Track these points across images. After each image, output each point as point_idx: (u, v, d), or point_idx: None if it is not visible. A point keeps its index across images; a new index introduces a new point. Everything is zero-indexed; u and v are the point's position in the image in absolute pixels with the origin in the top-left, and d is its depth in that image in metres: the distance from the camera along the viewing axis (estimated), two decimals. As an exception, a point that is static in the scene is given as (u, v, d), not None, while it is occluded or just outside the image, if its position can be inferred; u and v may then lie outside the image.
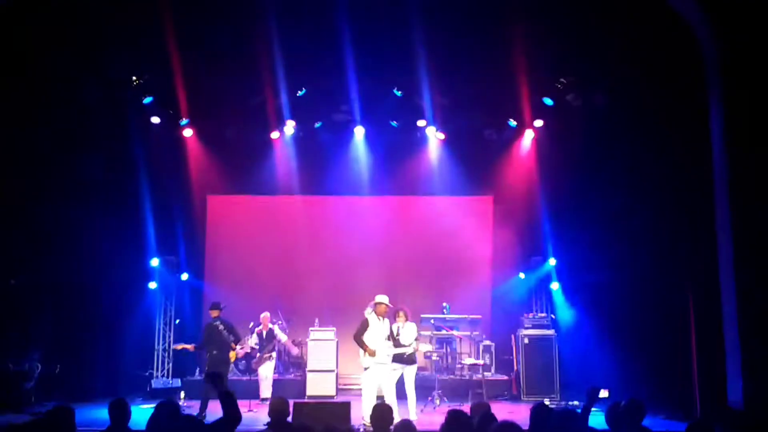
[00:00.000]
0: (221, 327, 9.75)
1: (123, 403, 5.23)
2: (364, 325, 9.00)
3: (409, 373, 9.36)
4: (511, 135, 12.53)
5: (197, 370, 12.28)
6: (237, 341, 10.04)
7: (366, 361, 8.93)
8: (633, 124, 10.17)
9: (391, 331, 9.10)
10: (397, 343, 9.11)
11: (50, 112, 10.41)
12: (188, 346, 10.13)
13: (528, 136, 12.42)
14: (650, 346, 10.00)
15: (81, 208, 10.97)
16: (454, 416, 4.62)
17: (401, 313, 9.48)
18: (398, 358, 9.19)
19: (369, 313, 9.13)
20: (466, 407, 8.48)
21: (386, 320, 9.08)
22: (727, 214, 8.02)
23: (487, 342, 12.07)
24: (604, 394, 5.59)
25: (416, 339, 9.48)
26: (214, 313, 9.91)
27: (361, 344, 8.92)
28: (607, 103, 10.77)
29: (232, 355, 9.84)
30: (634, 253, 10.35)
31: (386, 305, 9.08)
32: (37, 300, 10.71)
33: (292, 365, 12.35)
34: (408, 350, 9.25)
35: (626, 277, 10.48)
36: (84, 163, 11.00)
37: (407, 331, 9.36)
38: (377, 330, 8.95)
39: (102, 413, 8.39)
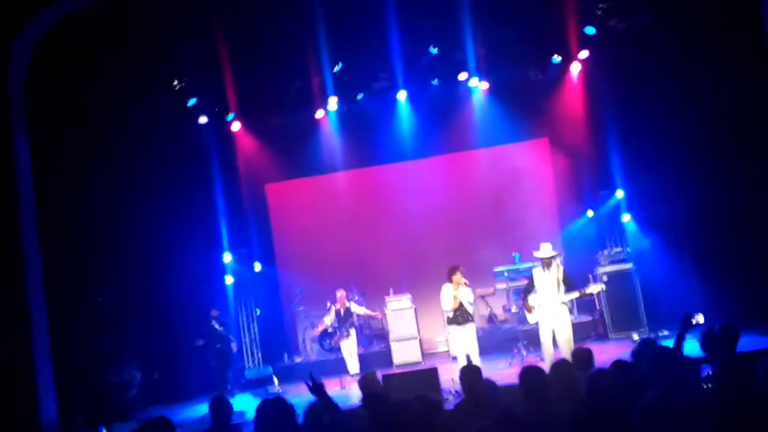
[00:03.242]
0: (217, 325, 11.25)
1: (223, 400, 5.35)
2: (530, 284, 9.00)
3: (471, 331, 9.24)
4: (557, 72, 12.10)
5: (286, 355, 12.62)
6: (234, 335, 11.77)
7: (531, 318, 8.94)
8: (685, 42, 9.69)
9: (566, 277, 8.78)
10: (569, 289, 8.73)
11: (107, 127, 10.71)
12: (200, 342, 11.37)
13: (575, 70, 12.00)
14: (736, 265, 9.68)
15: (151, 215, 11.33)
16: (527, 374, 4.47)
17: (458, 270, 9.10)
18: (462, 319, 9.07)
19: (535, 268, 9.04)
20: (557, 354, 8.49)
21: (555, 268, 8.82)
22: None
23: (565, 285, 11.88)
24: (700, 319, 5.37)
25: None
26: (215, 314, 11.37)
27: (524, 304, 9.02)
28: (653, 23, 10.27)
29: (233, 346, 11.43)
30: (708, 172, 9.99)
31: (546, 258, 8.79)
32: (125, 311, 11.15)
33: (375, 337, 12.51)
34: (567, 297, 8.84)
35: (702, 200, 10.13)
36: (150, 172, 11.33)
37: (466, 290, 9.15)
38: (542, 281, 8.81)
39: (203, 409, 8.73)
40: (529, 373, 4.33)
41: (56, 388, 8.01)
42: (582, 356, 5.53)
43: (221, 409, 5.29)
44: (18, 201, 8.17)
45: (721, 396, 3.30)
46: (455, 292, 9.05)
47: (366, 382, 5.93)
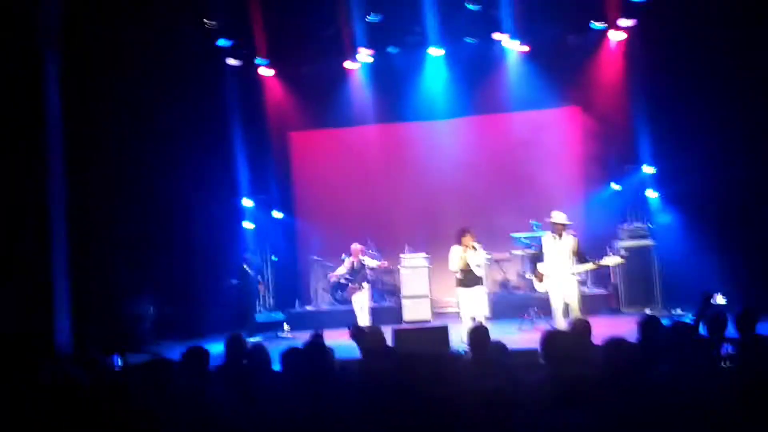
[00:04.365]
0: (247, 267, 11.55)
1: (240, 338, 5.38)
2: (539, 250, 8.82)
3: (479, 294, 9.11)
4: (596, 39, 11.84)
5: (297, 302, 12.73)
6: (262, 277, 12.29)
7: (540, 286, 8.77)
8: (735, 19, 9.36)
9: (578, 249, 8.55)
10: (581, 259, 8.56)
11: (135, 62, 10.64)
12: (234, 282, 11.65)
13: (616, 38, 11.70)
14: (759, 247, 9.53)
15: (174, 155, 11.36)
16: (549, 337, 4.46)
17: (468, 234, 8.93)
18: (470, 281, 8.99)
19: (545, 235, 8.89)
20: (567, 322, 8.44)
21: (567, 237, 8.60)
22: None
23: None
24: (720, 299, 5.30)
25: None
26: (248, 256, 11.76)
27: (533, 271, 8.85)
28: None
29: (261, 288, 12.05)
30: (739, 153, 9.78)
31: (560, 223, 8.61)
32: (145, 246, 11.25)
33: (387, 293, 12.56)
34: (582, 268, 8.79)
35: (730, 179, 9.94)
36: (176, 110, 11.29)
37: (476, 253, 9.03)
38: (553, 250, 8.64)
39: (214, 347, 8.83)
40: (552, 337, 4.29)
41: (72, 311, 8.14)
42: (580, 327, 5.43)
43: (237, 347, 5.33)
44: (45, 128, 8.19)
45: (743, 375, 3.25)
46: (463, 254, 8.99)
47: (369, 336, 5.86)
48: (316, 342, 4.74)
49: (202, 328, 11.29)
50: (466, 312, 9.05)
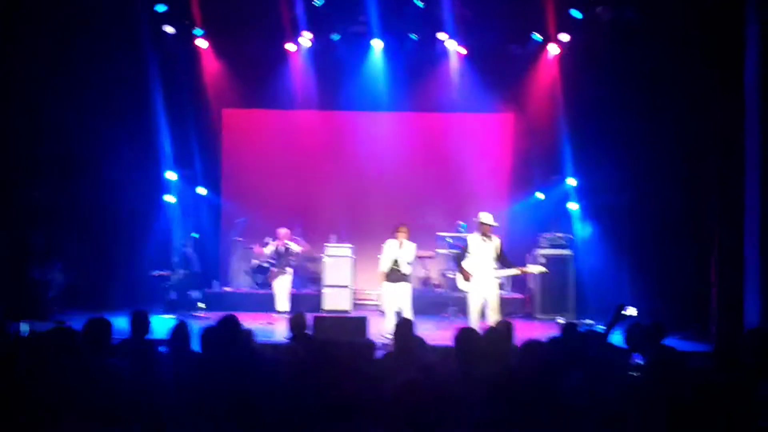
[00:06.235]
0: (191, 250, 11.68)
1: (143, 315, 5.26)
2: (464, 250, 8.76)
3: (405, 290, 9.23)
4: (534, 50, 12.06)
5: (216, 283, 12.48)
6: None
7: (463, 284, 8.73)
8: (664, 44, 9.76)
9: (501, 252, 8.67)
10: (503, 264, 8.70)
11: (61, 22, 10.11)
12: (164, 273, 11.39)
13: (552, 51, 12.00)
14: (669, 265, 9.98)
15: (96, 120, 10.85)
16: (463, 335, 4.55)
17: (404, 229, 9.14)
18: (397, 277, 9.12)
19: (471, 235, 8.85)
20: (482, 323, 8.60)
21: (493, 239, 8.68)
22: (757, 138, 7.98)
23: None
24: (632, 312, 5.50)
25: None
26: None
27: (459, 269, 8.76)
28: (638, 20, 10.27)
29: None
30: (658, 172, 10.21)
31: (488, 224, 8.63)
32: (58, 212, 10.77)
33: (310, 280, 12.48)
34: (506, 272, 8.98)
35: (648, 197, 10.36)
36: (99, 75, 10.79)
37: (407, 250, 9.20)
38: (480, 251, 8.63)
39: (121, 322, 8.55)
40: (465, 334, 4.36)
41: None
42: (504, 328, 5.56)
43: (140, 324, 5.21)
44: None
45: (650, 385, 3.38)
46: (398, 249, 9.06)
47: (295, 321, 5.95)
48: (232, 322, 4.68)
49: (113, 300, 10.89)
50: (390, 306, 9.13)
